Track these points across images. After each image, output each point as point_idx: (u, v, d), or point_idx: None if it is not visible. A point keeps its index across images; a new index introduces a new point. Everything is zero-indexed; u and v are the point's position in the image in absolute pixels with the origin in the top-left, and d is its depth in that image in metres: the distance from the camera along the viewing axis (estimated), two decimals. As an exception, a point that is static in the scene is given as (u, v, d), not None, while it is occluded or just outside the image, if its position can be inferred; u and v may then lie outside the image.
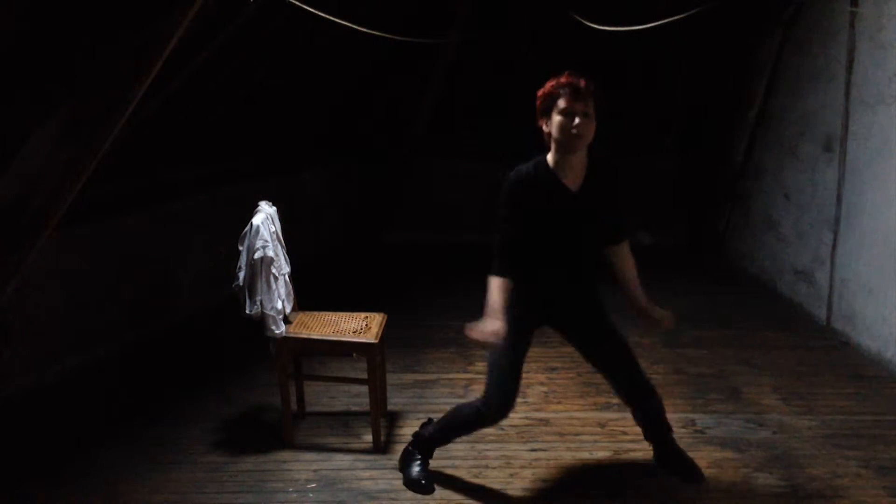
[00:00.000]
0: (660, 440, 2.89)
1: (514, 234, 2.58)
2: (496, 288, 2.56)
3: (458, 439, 2.95)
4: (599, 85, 2.57)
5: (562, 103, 2.49)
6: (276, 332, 3.01)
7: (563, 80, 2.53)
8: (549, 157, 2.60)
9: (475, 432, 2.90)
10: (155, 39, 2.22)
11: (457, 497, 2.76)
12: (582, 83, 2.50)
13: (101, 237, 4.20)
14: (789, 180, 5.29)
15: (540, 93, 2.57)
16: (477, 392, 3.71)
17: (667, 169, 7.22)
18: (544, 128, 2.57)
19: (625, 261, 2.75)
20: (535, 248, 2.63)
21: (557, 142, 2.53)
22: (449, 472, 2.94)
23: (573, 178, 2.59)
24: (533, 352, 4.16)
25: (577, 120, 2.47)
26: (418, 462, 2.84)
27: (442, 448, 3.11)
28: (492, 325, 2.47)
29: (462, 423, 2.82)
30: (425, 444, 2.88)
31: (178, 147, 4.75)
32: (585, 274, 2.74)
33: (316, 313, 3.30)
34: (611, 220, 2.70)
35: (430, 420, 2.97)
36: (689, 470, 2.85)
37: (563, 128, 2.49)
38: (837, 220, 4.54)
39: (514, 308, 2.60)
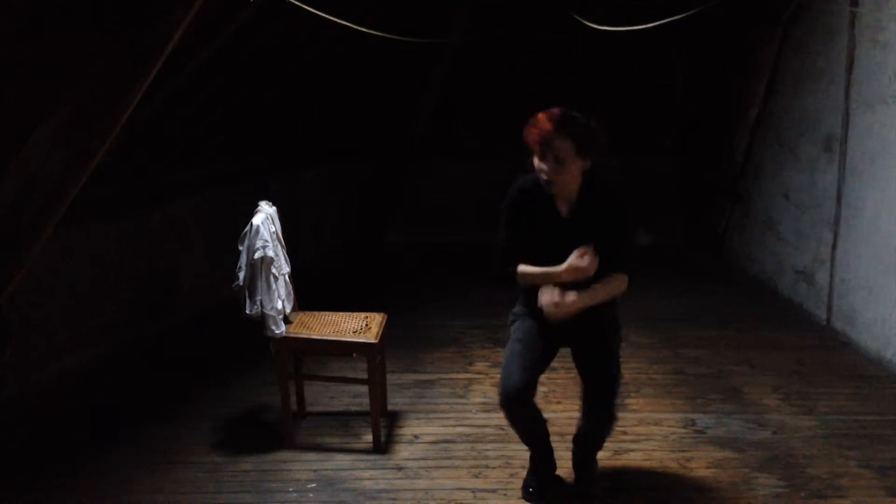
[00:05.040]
0: (585, 450, 2.80)
1: (513, 250, 2.58)
2: (524, 271, 2.56)
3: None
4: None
5: (535, 153, 2.46)
6: (276, 332, 3.01)
7: (532, 128, 2.43)
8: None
9: (524, 423, 2.69)
10: (155, 39, 2.22)
11: (457, 497, 2.76)
12: (547, 130, 2.39)
13: (101, 237, 4.20)
14: (789, 180, 5.29)
15: (525, 135, 2.49)
16: (476, 392, 3.72)
17: (667, 169, 7.22)
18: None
19: (604, 282, 2.52)
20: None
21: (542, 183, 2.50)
22: (449, 472, 2.94)
23: (566, 202, 2.54)
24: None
25: (545, 168, 2.43)
26: (532, 486, 2.79)
27: (443, 448, 3.12)
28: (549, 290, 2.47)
29: (511, 425, 2.71)
30: (531, 461, 2.82)
31: (178, 147, 4.75)
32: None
33: (316, 313, 3.30)
34: (608, 257, 2.49)
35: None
36: (587, 487, 2.78)
37: (538, 172, 2.47)
38: (837, 220, 4.54)
39: (528, 318, 2.65)
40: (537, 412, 2.65)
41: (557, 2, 6.22)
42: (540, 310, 2.51)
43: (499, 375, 3.85)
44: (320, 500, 2.75)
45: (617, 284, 2.55)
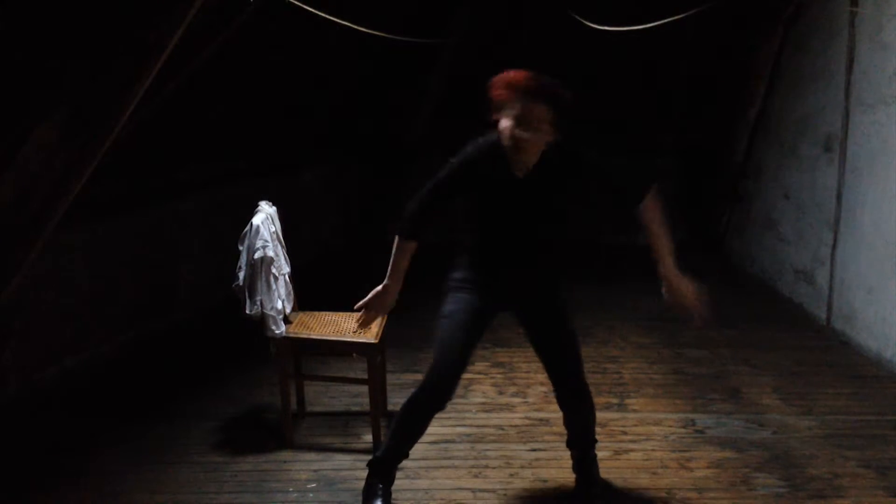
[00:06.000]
0: (581, 450, 2.77)
1: (437, 204, 2.51)
2: (399, 251, 2.60)
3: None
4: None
5: (516, 109, 2.31)
6: (276, 332, 3.01)
7: (509, 88, 2.33)
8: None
9: (427, 426, 2.62)
10: (155, 39, 2.22)
11: (457, 497, 2.76)
12: (528, 91, 2.30)
13: (101, 237, 4.20)
14: (789, 180, 5.29)
15: (496, 90, 2.36)
16: (476, 392, 3.72)
17: (667, 169, 7.22)
18: (500, 123, 2.38)
19: (649, 222, 2.49)
20: (484, 233, 2.54)
21: (506, 145, 2.37)
22: (449, 472, 2.94)
23: (523, 166, 2.42)
24: (532, 351, 4.19)
25: (518, 132, 2.32)
26: (380, 494, 2.60)
27: (443, 448, 3.12)
28: (382, 291, 2.58)
29: (405, 420, 2.59)
30: (382, 466, 2.64)
31: (178, 147, 4.75)
32: (539, 263, 2.58)
33: (316, 313, 3.30)
34: (614, 188, 2.52)
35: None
36: (589, 488, 2.74)
37: (507, 132, 2.34)
38: (837, 220, 4.54)
39: (466, 290, 2.56)
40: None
41: (558, 2, 6.22)
42: (476, 283, 2.52)
43: (496, 374, 3.88)
44: (320, 500, 2.75)
45: (656, 217, 2.49)
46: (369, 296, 2.61)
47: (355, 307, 2.62)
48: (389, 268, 2.63)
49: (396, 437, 2.63)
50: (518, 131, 2.32)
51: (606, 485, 2.81)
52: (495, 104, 2.39)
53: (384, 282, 2.63)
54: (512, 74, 2.36)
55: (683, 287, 2.48)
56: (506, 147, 2.39)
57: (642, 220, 2.50)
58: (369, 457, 3.02)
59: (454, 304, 2.57)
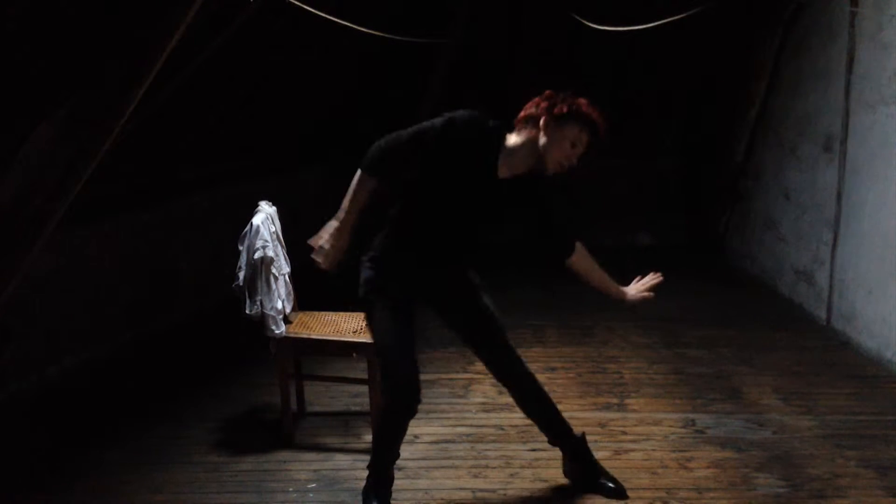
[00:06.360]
0: (570, 446, 2.78)
1: (411, 154, 2.40)
2: (359, 185, 2.51)
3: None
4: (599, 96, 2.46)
5: (579, 136, 2.36)
6: (276, 332, 3.01)
7: (600, 120, 2.38)
8: (511, 138, 2.42)
9: (406, 429, 2.61)
10: (155, 39, 2.22)
11: (457, 497, 2.76)
12: (601, 132, 2.39)
13: (101, 237, 4.20)
14: (789, 180, 5.29)
15: (568, 104, 2.36)
16: (476, 392, 3.72)
17: (667, 169, 7.22)
18: (542, 126, 2.36)
19: (585, 263, 2.60)
20: (423, 221, 2.49)
21: (543, 152, 2.37)
22: (449, 472, 2.94)
23: (509, 169, 2.41)
24: (532, 352, 4.21)
25: (574, 161, 2.39)
26: (379, 495, 2.60)
27: (443, 448, 3.12)
28: (337, 230, 2.47)
29: (383, 429, 2.62)
30: (375, 470, 2.64)
31: (178, 147, 4.75)
32: (462, 264, 2.65)
33: (316, 313, 3.30)
34: (552, 236, 2.57)
35: None
36: (597, 483, 2.75)
37: (561, 154, 2.36)
38: (837, 220, 4.54)
39: (389, 293, 2.52)
40: None
41: (558, 2, 6.22)
42: (392, 276, 2.51)
43: (488, 373, 3.86)
44: (320, 500, 2.75)
45: (588, 257, 2.63)
46: (325, 233, 2.51)
47: (309, 241, 2.51)
48: (346, 203, 2.51)
49: (380, 447, 2.64)
50: (571, 155, 2.38)
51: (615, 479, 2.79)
52: (558, 115, 2.36)
53: (339, 218, 2.53)
54: (588, 103, 2.40)
55: (635, 291, 2.68)
56: (527, 146, 2.39)
57: (578, 267, 2.60)
58: (369, 457, 3.03)
59: (383, 310, 2.52)
